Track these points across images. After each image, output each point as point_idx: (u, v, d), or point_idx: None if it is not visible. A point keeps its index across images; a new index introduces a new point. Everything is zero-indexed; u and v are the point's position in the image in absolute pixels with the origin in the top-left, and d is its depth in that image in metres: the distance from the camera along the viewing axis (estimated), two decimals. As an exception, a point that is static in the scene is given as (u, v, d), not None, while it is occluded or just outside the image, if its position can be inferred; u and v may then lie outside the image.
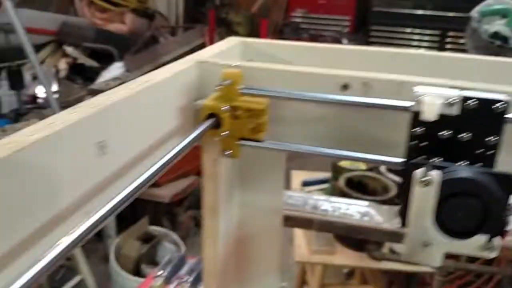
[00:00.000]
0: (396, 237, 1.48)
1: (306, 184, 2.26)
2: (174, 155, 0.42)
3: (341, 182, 1.81)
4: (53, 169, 0.34)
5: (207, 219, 0.70)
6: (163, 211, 2.60)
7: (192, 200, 2.73)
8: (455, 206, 0.38)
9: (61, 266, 2.29)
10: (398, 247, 1.75)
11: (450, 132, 0.43)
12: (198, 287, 0.95)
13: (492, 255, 0.38)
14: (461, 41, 3.90)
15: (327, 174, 2.25)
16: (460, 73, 0.58)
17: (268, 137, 0.54)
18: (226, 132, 0.50)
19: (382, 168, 1.98)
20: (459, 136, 0.43)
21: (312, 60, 0.68)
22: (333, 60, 0.69)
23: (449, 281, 2.12)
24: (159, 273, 0.95)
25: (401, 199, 0.44)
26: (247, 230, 0.81)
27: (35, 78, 2.71)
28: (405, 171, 0.42)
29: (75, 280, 2.08)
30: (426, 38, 4.43)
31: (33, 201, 0.32)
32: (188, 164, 2.74)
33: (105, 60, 2.92)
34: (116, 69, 2.44)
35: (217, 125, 0.50)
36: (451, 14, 4.25)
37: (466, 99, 0.42)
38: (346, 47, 0.68)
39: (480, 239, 0.38)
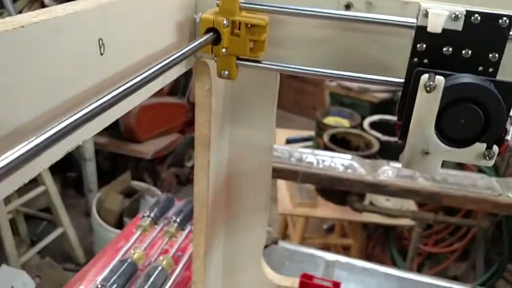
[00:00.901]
0: (378, 189, 1.52)
1: (289, 141, 2.28)
2: (171, 61, 0.41)
3: (325, 138, 1.82)
4: (54, 58, 0.32)
5: (199, 151, 0.69)
6: (144, 167, 2.59)
7: (174, 158, 2.72)
8: (456, 113, 0.38)
9: (41, 219, 2.28)
10: (378, 199, 1.79)
11: (453, 48, 0.43)
12: (185, 228, 0.96)
13: (490, 163, 0.39)
14: None
15: (310, 133, 2.27)
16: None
17: (267, 60, 0.53)
18: (225, 49, 0.49)
19: (365, 125, 2.00)
20: (461, 52, 0.43)
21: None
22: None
23: (426, 236, 2.20)
24: (147, 213, 0.95)
25: (400, 115, 0.44)
26: (237, 167, 0.81)
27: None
28: (407, 86, 0.42)
29: (56, 232, 2.08)
30: None
31: (32, 90, 0.31)
32: (170, 121, 2.72)
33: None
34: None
35: (216, 41, 0.48)
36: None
37: (470, 13, 0.41)
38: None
39: (479, 147, 0.39)
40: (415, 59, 0.44)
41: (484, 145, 0.39)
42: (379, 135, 1.84)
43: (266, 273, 0.89)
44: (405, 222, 1.74)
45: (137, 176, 2.49)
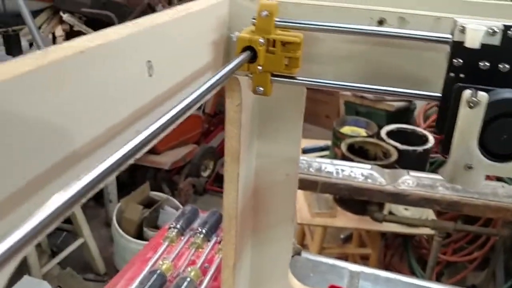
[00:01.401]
0: (399, 198, 1.51)
1: (306, 151, 2.28)
2: (215, 82, 0.42)
3: (343, 147, 1.82)
4: (107, 80, 0.34)
5: (229, 164, 0.70)
6: (163, 178, 2.61)
7: (191, 168, 2.74)
8: (499, 128, 0.39)
9: (62, 230, 2.30)
10: (397, 209, 1.78)
11: (490, 62, 0.43)
12: (211, 239, 0.97)
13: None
14: None
15: (326, 142, 2.27)
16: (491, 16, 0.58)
17: (299, 75, 0.53)
18: (261, 67, 0.50)
19: (383, 134, 2.00)
20: (498, 66, 0.43)
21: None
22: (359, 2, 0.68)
23: (444, 245, 2.18)
24: (173, 224, 0.96)
25: (440, 129, 0.44)
26: (264, 179, 0.82)
27: (31, 44, 2.66)
28: (445, 100, 0.43)
29: (77, 243, 2.10)
30: None
31: (88, 111, 0.32)
32: (187, 132, 2.74)
33: (102, 28, 2.86)
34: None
35: (252, 59, 0.50)
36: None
37: (507, 28, 0.42)
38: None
39: (522, 161, 0.39)
40: (452, 74, 0.45)
41: (527, 159, 0.39)
42: (397, 144, 1.83)
43: (293, 285, 0.89)
44: (425, 231, 1.73)
45: (156, 186, 2.51)
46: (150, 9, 3.32)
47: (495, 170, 0.40)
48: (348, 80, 0.53)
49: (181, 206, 2.30)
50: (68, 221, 2.20)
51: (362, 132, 2.08)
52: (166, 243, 0.92)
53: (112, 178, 0.33)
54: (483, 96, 0.38)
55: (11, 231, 0.19)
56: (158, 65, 0.40)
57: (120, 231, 2.09)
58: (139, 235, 2.16)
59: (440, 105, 0.45)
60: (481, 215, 1.61)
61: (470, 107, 0.38)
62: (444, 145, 0.41)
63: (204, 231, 0.95)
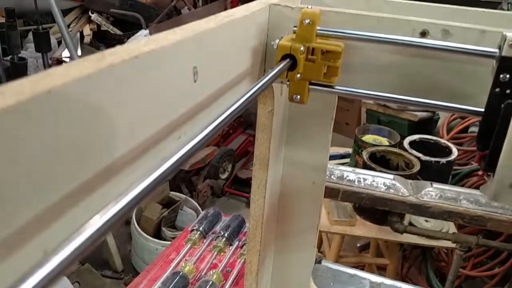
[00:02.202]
0: (421, 210, 1.49)
1: (326, 158, 2.26)
2: (259, 88, 0.42)
3: (365, 156, 1.81)
4: (158, 85, 0.34)
5: (258, 170, 0.70)
6: (182, 178, 2.63)
7: (210, 170, 2.75)
8: (548, 147, 0.38)
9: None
10: (417, 220, 1.76)
11: (538, 78, 0.42)
12: (233, 243, 0.97)
13: None
14: None
15: (347, 149, 2.26)
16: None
17: (337, 84, 0.53)
18: (300, 74, 0.50)
19: (405, 144, 1.98)
20: (547, 83, 0.42)
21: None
22: (399, 12, 0.68)
23: (464, 258, 2.14)
24: (196, 227, 0.96)
25: (481, 145, 0.43)
26: (290, 187, 0.82)
27: (60, 42, 2.71)
28: (488, 116, 0.42)
29: (96, 239, 2.12)
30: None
31: (140, 114, 0.32)
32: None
33: (129, 28, 2.90)
34: (142, 36, 2.43)
35: (291, 67, 0.49)
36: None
37: (558, 43, 0.41)
38: (414, 2, 0.67)
39: None
40: (497, 89, 0.44)
41: None
42: (420, 154, 1.81)
43: (315, 293, 0.89)
44: (446, 244, 1.70)
45: (175, 186, 2.53)
46: (176, 11, 3.35)
47: (541, 189, 0.39)
48: (386, 90, 0.53)
49: (199, 207, 2.31)
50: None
51: (384, 141, 2.06)
52: (189, 245, 0.92)
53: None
54: (533, 113, 0.37)
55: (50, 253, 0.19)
56: (202, 71, 0.40)
57: (139, 229, 2.11)
58: (157, 234, 2.17)
59: (483, 120, 0.45)
60: (505, 230, 1.58)
61: (520, 124, 0.37)
62: (489, 162, 0.40)
63: (226, 234, 0.95)
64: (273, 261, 0.87)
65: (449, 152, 1.87)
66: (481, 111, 0.46)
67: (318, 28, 0.49)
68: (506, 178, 0.39)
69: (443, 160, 1.78)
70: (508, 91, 0.44)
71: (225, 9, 3.42)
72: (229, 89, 0.48)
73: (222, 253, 0.92)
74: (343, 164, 2.24)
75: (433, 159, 1.77)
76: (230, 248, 0.94)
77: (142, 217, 2.17)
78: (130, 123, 0.32)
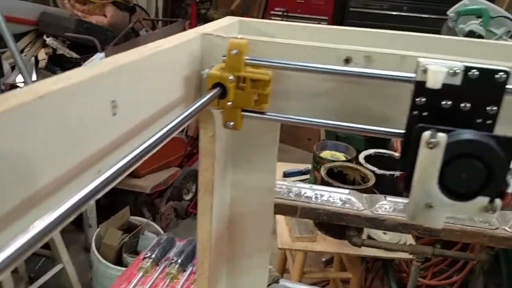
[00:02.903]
0: (376, 223, 1.52)
1: (286, 175, 2.29)
2: (181, 120, 0.42)
3: (322, 172, 1.83)
4: (68, 122, 0.34)
5: (202, 195, 0.70)
6: (143, 202, 2.58)
7: (173, 192, 2.72)
8: (458, 168, 0.39)
9: (40, 255, 2.25)
10: (375, 233, 1.79)
11: (452, 101, 0.45)
12: (186, 269, 0.96)
13: (493, 216, 0.40)
14: (442, 36, 4.04)
15: (306, 166, 2.28)
16: (452, 53, 0.61)
17: (270, 111, 0.54)
18: (231, 102, 0.51)
19: (361, 159, 2.02)
20: (460, 105, 0.45)
21: (308, 40, 0.69)
22: (328, 40, 0.70)
23: (424, 268, 2.19)
24: (148, 254, 0.94)
25: (402, 166, 0.45)
26: (239, 209, 0.82)
27: (14, 67, 2.64)
28: (408, 138, 0.44)
29: (56, 269, 2.05)
30: (402, 38, 4.54)
31: (50, 153, 0.32)
32: (170, 155, 2.73)
33: (85, 51, 2.87)
34: (98, 60, 2.41)
35: (222, 95, 0.50)
36: (425, 15, 4.40)
37: (468, 69, 0.43)
38: (342, 27, 0.69)
39: (482, 201, 0.40)
40: (415, 112, 0.46)
41: (487, 198, 0.40)
42: (374, 168, 1.85)
43: (269, 315, 0.88)
44: (403, 255, 1.73)
45: (136, 210, 2.48)
46: (134, 34, 3.34)
47: (455, 209, 0.41)
48: (317, 116, 0.54)
49: (161, 231, 2.27)
50: (46, 246, 2.15)
51: (341, 156, 2.10)
52: (141, 274, 0.91)
53: (73, 216, 0.33)
54: (442, 137, 0.39)
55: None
56: (123, 104, 0.40)
57: (99, 256, 2.05)
58: (119, 261, 2.12)
59: (403, 142, 0.46)
60: (458, 240, 1.62)
61: (430, 147, 0.39)
62: (406, 183, 0.42)
63: (179, 260, 0.94)
64: (225, 285, 0.87)
65: (404, 165, 1.92)
66: (403, 133, 0.47)
67: (247, 57, 0.51)
68: (420, 199, 0.40)
69: (397, 173, 1.83)
70: (425, 114, 0.46)
71: (184, 30, 3.43)
72: (160, 117, 0.48)
73: (175, 280, 0.91)
74: (304, 180, 2.26)
75: (387, 172, 1.82)
76: (184, 274, 0.93)
77: (102, 244, 2.12)
78: (40, 160, 0.31)
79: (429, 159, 0.39)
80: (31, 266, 2.24)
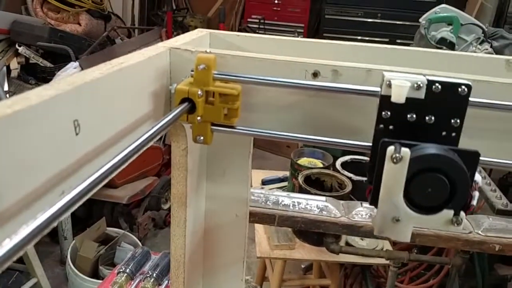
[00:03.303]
0: (353, 230, 1.53)
1: (265, 182, 2.29)
2: (148, 137, 0.42)
3: (300, 179, 1.84)
4: (30, 144, 0.33)
5: (176, 209, 0.70)
6: (120, 212, 2.54)
7: (150, 201, 2.69)
8: (423, 182, 0.40)
9: (13, 270, 2.19)
10: (353, 239, 1.80)
11: (417, 115, 0.45)
12: (162, 282, 0.94)
13: (459, 228, 0.40)
14: (409, 48, 4.15)
15: (285, 173, 2.29)
16: (419, 64, 0.62)
17: (240, 124, 0.54)
18: (200, 117, 0.50)
19: (338, 165, 2.03)
20: (425, 118, 0.45)
21: (278, 52, 0.69)
22: (299, 52, 0.70)
23: (402, 273, 2.21)
24: (123, 269, 0.93)
25: (370, 179, 0.46)
26: (214, 221, 0.82)
27: (-16, 77, 2.59)
28: (375, 151, 0.44)
29: (30, 283, 2.00)
30: (376, 44, 4.62)
31: (8, 176, 0.31)
32: (147, 164, 2.70)
33: (60, 60, 2.82)
34: (72, 69, 2.37)
35: (191, 110, 0.50)
36: (399, 22, 4.50)
37: (431, 83, 0.44)
38: (312, 40, 0.70)
39: (447, 213, 0.41)
40: (381, 126, 0.46)
41: (452, 211, 0.41)
42: (351, 175, 1.86)
43: (246, 327, 0.88)
44: (381, 261, 1.75)
45: (113, 221, 2.44)
46: (110, 42, 3.30)
47: (422, 222, 0.41)
48: (287, 129, 0.54)
49: (139, 242, 2.24)
50: (20, 260, 2.09)
51: (319, 163, 2.11)
52: (115, 288, 0.89)
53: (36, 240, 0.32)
54: (405, 152, 0.39)
55: None
56: (86, 123, 0.39)
57: (75, 269, 2.01)
58: (95, 274, 2.08)
59: (371, 155, 0.47)
60: (433, 245, 1.65)
61: (394, 162, 0.39)
62: (373, 197, 0.42)
63: (155, 274, 0.92)
64: (201, 298, 0.86)
65: (380, 171, 1.94)
66: (370, 146, 0.48)
67: (215, 72, 0.50)
68: (387, 213, 0.41)
69: (374, 179, 1.85)
70: (391, 127, 0.46)
71: (160, 37, 3.42)
72: (127, 134, 0.48)
73: (151, 294, 0.90)
74: (282, 187, 2.27)
75: (364, 178, 1.83)
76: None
77: (78, 256, 2.08)
78: (3, 183, 0.31)
79: (394, 174, 0.40)
80: (4, 280, 2.18)
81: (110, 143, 0.44)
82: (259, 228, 1.92)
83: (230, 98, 0.51)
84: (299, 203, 1.58)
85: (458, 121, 0.45)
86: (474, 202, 0.41)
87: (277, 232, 1.88)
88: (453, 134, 0.46)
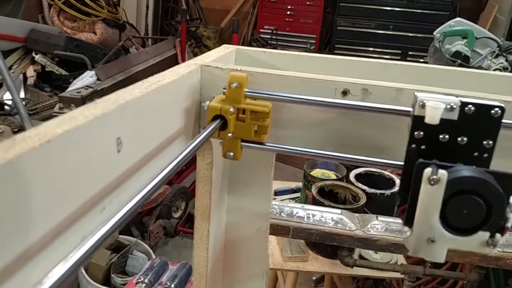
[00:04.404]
0: (368, 244, 1.52)
1: (277, 193, 2.29)
2: (187, 153, 0.43)
3: (314, 190, 1.84)
4: (76, 162, 0.34)
5: (199, 221, 0.70)
6: (132, 220, 2.55)
7: (162, 210, 2.69)
8: (459, 204, 0.40)
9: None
10: (367, 252, 1.79)
11: (449, 135, 0.45)
12: (180, 293, 0.95)
13: (494, 251, 0.40)
14: (421, 60, 4.14)
15: (297, 184, 2.29)
16: (449, 84, 0.62)
17: (268, 140, 0.55)
18: (231, 134, 0.51)
19: (351, 177, 2.03)
20: (457, 139, 0.46)
21: (303, 69, 0.70)
22: (324, 69, 0.71)
23: (415, 287, 2.19)
24: (141, 279, 0.93)
25: (404, 198, 0.46)
26: (235, 235, 0.82)
27: (1, 84, 2.62)
28: (407, 171, 0.45)
29: (41, 291, 2.01)
30: (388, 56, 4.61)
31: (55, 196, 0.32)
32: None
33: (75, 68, 2.86)
34: (88, 77, 2.40)
35: (222, 127, 0.51)
36: (411, 34, 4.50)
37: (465, 104, 0.44)
38: (336, 57, 0.71)
39: (482, 235, 0.41)
40: (413, 145, 0.47)
41: (488, 233, 0.41)
42: (365, 187, 1.86)
43: None
44: (395, 275, 1.73)
45: (124, 229, 2.45)
46: (124, 51, 3.34)
47: (457, 243, 0.41)
48: (315, 146, 0.55)
49: (150, 250, 2.25)
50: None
51: (332, 174, 2.11)
52: (134, 299, 0.90)
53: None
54: (443, 174, 0.40)
55: None
56: (127, 140, 0.40)
57: (87, 277, 2.02)
58: (107, 281, 2.08)
59: (403, 175, 0.47)
60: (449, 260, 1.63)
61: (431, 184, 0.40)
62: (408, 217, 0.42)
63: (173, 285, 0.93)
64: (221, 311, 0.86)
65: (393, 183, 1.93)
66: (402, 165, 0.48)
67: (246, 90, 0.51)
68: (422, 234, 0.41)
69: (388, 192, 1.84)
70: (423, 147, 0.46)
71: (174, 47, 3.45)
72: (160, 151, 0.48)
73: (169, 305, 0.90)
74: (295, 198, 2.26)
75: (378, 191, 1.83)
76: (178, 298, 0.92)
77: (90, 264, 2.09)
78: (47, 205, 0.31)
79: (431, 195, 0.40)
80: None
81: (147, 160, 0.45)
82: (272, 239, 1.92)
83: (261, 115, 0.52)
84: (313, 215, 1.58)
85: (491, 142, 0.45)
86: (509, 225, 0.41)
87: (290, 244, 1.87)
88: (485, 155, 0.46)
